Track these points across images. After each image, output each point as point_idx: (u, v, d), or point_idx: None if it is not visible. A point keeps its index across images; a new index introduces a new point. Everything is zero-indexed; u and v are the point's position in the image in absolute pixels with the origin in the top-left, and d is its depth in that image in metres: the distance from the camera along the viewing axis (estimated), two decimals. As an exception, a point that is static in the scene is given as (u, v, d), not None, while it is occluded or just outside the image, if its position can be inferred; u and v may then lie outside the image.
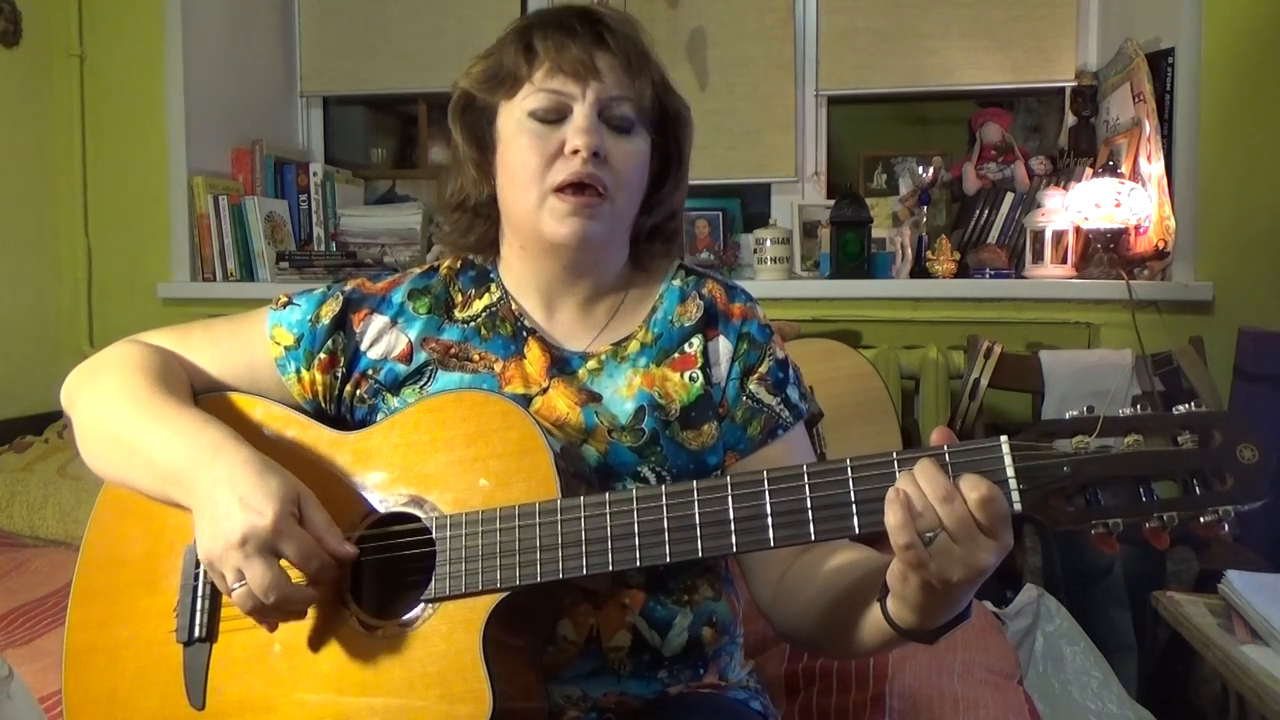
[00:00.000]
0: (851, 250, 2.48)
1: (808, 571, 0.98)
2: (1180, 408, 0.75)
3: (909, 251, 2.45)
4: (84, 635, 1.00)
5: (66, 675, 1.00)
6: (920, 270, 2.46)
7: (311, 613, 0.90)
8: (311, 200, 2.88)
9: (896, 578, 0.79)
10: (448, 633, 0.86)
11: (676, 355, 1.03)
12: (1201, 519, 0.73)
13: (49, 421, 2.52)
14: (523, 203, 0.99)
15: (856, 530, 0.79)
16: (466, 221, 1.08)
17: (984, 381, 2.18)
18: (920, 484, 0.75)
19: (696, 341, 1.04)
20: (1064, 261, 2.39)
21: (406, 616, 0.88)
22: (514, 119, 0.99)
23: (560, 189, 0.96)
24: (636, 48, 0.99)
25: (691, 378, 1.02)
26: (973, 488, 0.74)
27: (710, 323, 1.05)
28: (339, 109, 3.20)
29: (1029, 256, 2.42)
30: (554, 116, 0.97)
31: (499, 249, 1.09)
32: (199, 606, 0.95)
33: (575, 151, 0.95)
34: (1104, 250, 2.32)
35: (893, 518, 0.75)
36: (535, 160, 0.97)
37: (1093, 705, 1.69)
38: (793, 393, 1.06)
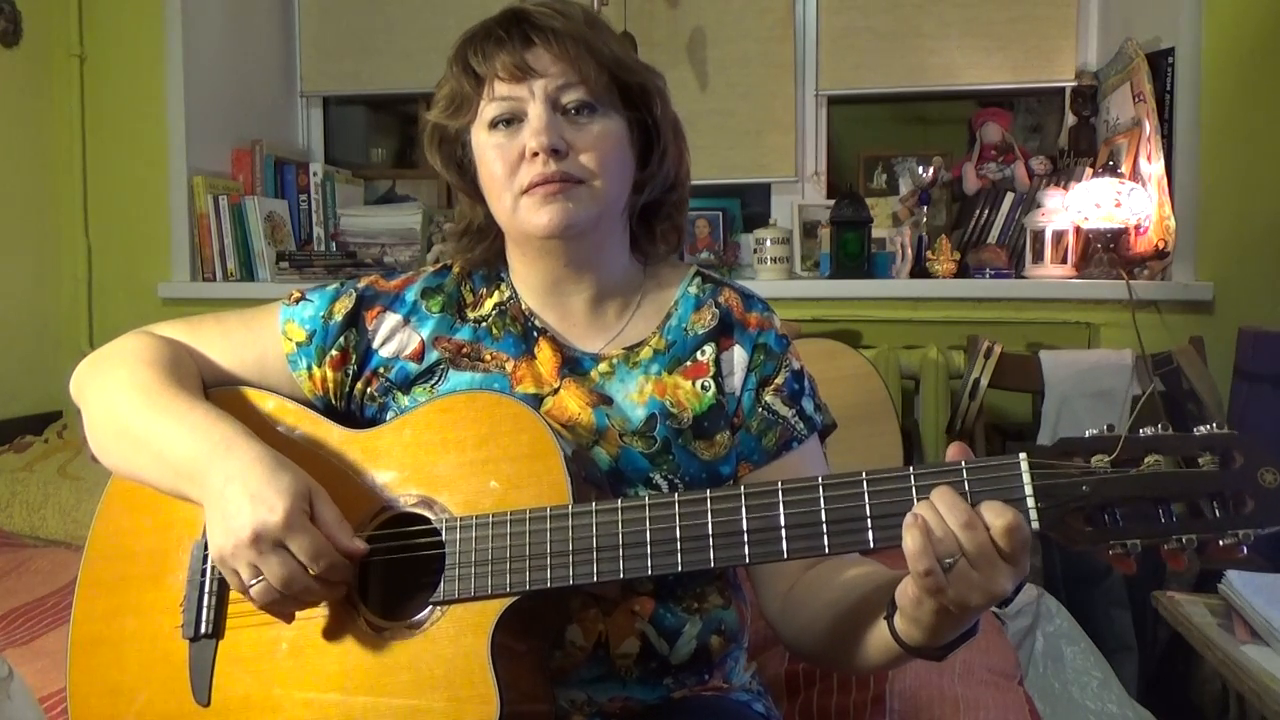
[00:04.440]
0: (851, 250, 2.48)
1: (816, 585, 0.97)
2: (1201, 429, 0.74)
3: (909, 251, 2.45)
4: (90, 627, 1.00)
5: (72, 666, 1.00)
6: (920, 270, 2.46)
7: (319, 612, 0.90)
8: (311, 200, 2.88)
9: (910, 601, 0.78)
10: (455, 636, 0.85)
11: (689, 363, 1.02)
12: (1221, 542, 0.72)
13: (49, 421, 2.53)
14: (503, 211, 0.99)
15: (871, 545, 0.78)
16: (469, 242, 1.08)
17: (984, 381, 2.18)
18: (940, 510, 0.74)
19: (709, 350, 1.03)
20: (1064, 261, 2.39)
21: (415, 618, 0.88)
22: (481, 136, 1.00)
23: (528, 190, 0.96)
24: (571, 33, 0.97)
25: (703, 386, 1.01)
26: (998, 515, 0.73)
27: (725, 332, 1.04)
28: (339, 109, 3.20)
29: (1029, 256, 2.43)
30: (511, 121, 0.97)
31: (505, 258, 1.09)
32: (205, 603, 0.95)
33: (535, 154, 0.95)
34: (1104, 250, 2.32)
35: (911, 543, 0.74)
36: (502, 168, 0.97)
37: (1093, 705, 1.69)
38: (808, 404, 1.04)
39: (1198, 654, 1.49)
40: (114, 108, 2.79)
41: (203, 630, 0.94)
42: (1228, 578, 1.52)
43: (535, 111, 0.96)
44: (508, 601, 0.85)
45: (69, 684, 1.00)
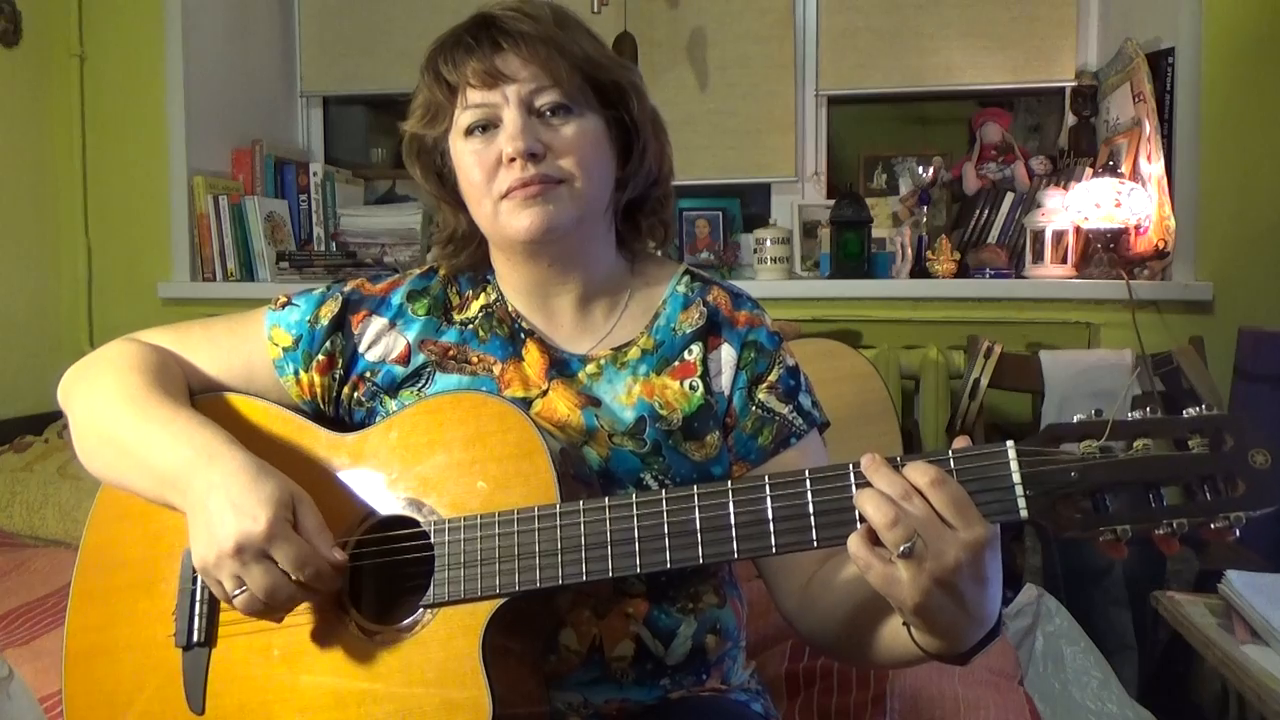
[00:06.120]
0: (851, 250, 2.48)
1: (828, 578, 0.96)
2: (1190, 411, 0.73)
3: (909, 251, 2.45)
4: (83, 638, 1.00)
5: (67, 678, 1.00)
6: (920, 270, 2.46)
7: (310, 618, 0.90)
8: (311, 200, 2.88)
9: (899, 609, 0.77)
10: (447, 638, 0.85)
11: (676, 363, 1.02)
12: (1212, 525, 0.70)
13: (49, 421, 2.52)
14: (484, 217, 0.99)
15: None
16: (453, 249, 1.08)
17: (984, 381, 2.18)
18: (870, 509, 0.74)
19: (696, 349, 1.02)
20: (1064, 261, 2.39)
21: (405, 622, 0.88)
22: (458, 144, 0.99)
23: (507, 194, 0.96)
24: (540, 36, 0.96)
25: (691, 386, 1.00)
26: (921, 474, 0.73)
27: (713, 330, 1.03)
28: (339, 109, 3.20)
29: (1029, 256, 2.42)
30: (487, 127, 0.97)
31: (490, 261, 1.08)
32: (197, 611, 0.94)
33: (512, 159, 0.95)
34: (1104, 250, 2.32)
35: (854, 548, 0.74)
36: (479, 174, 0.97)
37: (1093, 705, 1.69)
38: (805, 400, 1.03)
39: (1198, 654, 1.49)
40: (114, 108, 2.79)
41: (195, 639, 0.94)
42: (1228, 578, 1.51)
43: (510, 117, 0.95)
44: (498, 602, 0.85)
45: (64, 696, 0.99)
